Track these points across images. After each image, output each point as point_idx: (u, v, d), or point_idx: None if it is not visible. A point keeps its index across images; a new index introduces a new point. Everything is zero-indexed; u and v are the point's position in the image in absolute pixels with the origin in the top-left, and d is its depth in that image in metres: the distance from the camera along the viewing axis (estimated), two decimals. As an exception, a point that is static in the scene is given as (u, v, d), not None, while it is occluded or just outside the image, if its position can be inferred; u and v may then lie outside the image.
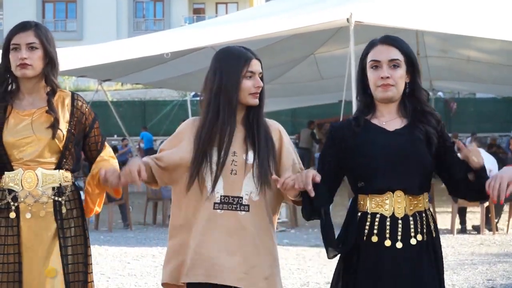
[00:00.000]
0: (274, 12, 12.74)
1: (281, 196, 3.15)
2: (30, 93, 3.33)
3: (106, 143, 3.50)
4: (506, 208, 11.10)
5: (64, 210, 3.30)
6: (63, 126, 3.30)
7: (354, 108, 10.78)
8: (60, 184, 3.30)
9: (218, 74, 3.12)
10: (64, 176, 3.32)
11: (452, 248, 9.34)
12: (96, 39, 29.67)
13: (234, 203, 3.08)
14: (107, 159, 3.43)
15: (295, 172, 3.10)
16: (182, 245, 3.11)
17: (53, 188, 3.29)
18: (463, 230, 10.81)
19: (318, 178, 2.88)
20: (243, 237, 3.07)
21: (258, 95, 3.14)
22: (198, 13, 42.81)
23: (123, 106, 27.28)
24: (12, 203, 3.25)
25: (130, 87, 31.67)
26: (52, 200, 3.28)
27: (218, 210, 3.07)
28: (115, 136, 25.70)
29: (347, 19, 10.41)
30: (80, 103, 3.39)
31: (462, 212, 10.94)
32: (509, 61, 14.27)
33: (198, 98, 28.79)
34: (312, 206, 2.94)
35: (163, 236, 10.44)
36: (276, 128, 3.23)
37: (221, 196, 3.08)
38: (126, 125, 16.47)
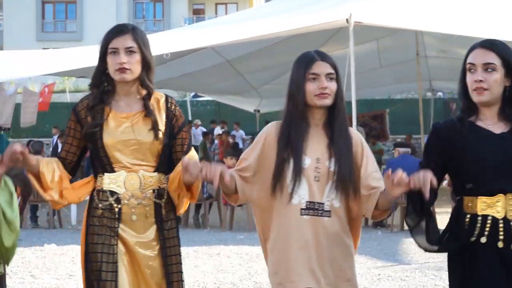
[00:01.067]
0: (273, 13, 12.76)
1: (362, 203, 3.16)
2: (127, 95, 3.35)
3: (192, 147, 3.49)
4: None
5: (163, 212, 3.33)
6: (161, 128, 3.33)
7: (354, 108, 10.79)
8: (159, 186, 3.33)
9: (290, 79, 3.17)
10: (162, 178, 3.35)
11: (452, 248, 9.35)
12: (96, 39, 29.54)
13: (320, 209, 3.11)
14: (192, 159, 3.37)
15: (376, 181, 3.13)
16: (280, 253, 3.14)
17: (154, 191, 3.31)
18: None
19: (435, 182, 2.87)
20: (327, 241, 3.11)
21: (327, 96, 3.12)
22: (197, 14, 42.84)
23: (123, 107, 27.24)
24: (115, 205, 3.28)
25: (130, 87, 31.59)
26: (153, 202, 3.31)
27: (304, 216, 3.09)
28: (115, 136, 25.73)
29: (347, 20, 10.42)
30: (173, 106, 3.41)
31: (461, 212, 10.93)
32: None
33: (197, 99, 28.86)
34: (421, 206, 2.96)
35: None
36: (357, 135, 3.24)
37: (306, 202, 3.10)
38: (126, 125, 16.44)
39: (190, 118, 22.25)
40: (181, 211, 3.44)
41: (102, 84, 3.34)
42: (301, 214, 3.10)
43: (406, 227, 11.74)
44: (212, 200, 11.98)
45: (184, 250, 10.51)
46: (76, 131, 3.36)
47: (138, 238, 3.29)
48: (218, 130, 22.53)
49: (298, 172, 3.08)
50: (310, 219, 3.09)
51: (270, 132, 3.19)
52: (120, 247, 3.27)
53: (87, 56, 12.53)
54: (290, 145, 3.10)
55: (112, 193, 3.29)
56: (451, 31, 10.87)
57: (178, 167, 3.29)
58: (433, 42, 14.37)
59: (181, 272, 3.39)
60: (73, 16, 42.62)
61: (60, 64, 12.35)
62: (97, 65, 3.34)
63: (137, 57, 3.28)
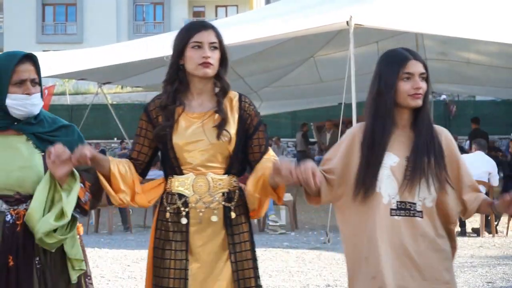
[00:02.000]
0: (273, 15, 12.76)
1: (458, 205, 3.12)
2: (199, 94, 3.24)
3: (269, 147, 3.36)
4: (506, 210, 11.10)
5: (233, 216, 3.20)
6: (233, 128, 3.20)
7: (354, 111, 10.80)
8: (228, 189, 3.20)
9: (376, 77, 3.09)
10: (232, 181, 3.22)
11: (452, 250, 9.35)
12: (96, 42, 29.72)
13: (412, 209, 3.02)
14: (272, 159, 3.26)
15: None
16: (366, 257, 3.04)
17: (223, 194, 3.19)
18: (462, 233, 10.80)
19: None
20: (421, 243, 3.03)
21: (420, 96, 3.05)
22: (198, 16, 42.86)
23: (123, 109, 27.29)
24: (182, 208, 3.18)
25: (130, 90, 31.69)
26: (222, 206, 3.19)
27: (396, 217, 3.01)
28: (115, 139, 25.74)
29: (347, 22, 10.43)
30: (247, 105, 3.29)
31: (461, 215, 10.93)
32: (509, 64, 14.30)
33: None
34: None
35: (163, 238, 10.43)
36: (444, 134, 3.16)
37: (397, 202, 3.02)
38: (126, 128, 16.48)
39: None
40: (261, 214, 3.33)
41: (176, 81, 3.24)
42: (392, 215, 3.00)
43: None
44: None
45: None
46: (147, 131, 3.25)
47: (206, 243, 3.18)
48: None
49: (388, 171, 3.01)
50: (402, 220, 3.00)
51: (355, 133, 3.11)
52: (185, 253, 3.16)
53: (87, 58, 12.54)
54: (377, 144, 3.02)
55: (180, 196, 3.18)
56: (451, 33, 10.88)
57: (261, 169, 3.19)
58: (433, 45, 14.37)
59: (257, 277, 3.24)
60: (73, 19, 42.66)
61: (60, 66, 12.36)
62: (173, 61, 3.25)
63: (218, 53, 3.21)
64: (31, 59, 3.10)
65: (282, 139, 23.55)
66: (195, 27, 3.23)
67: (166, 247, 3.18)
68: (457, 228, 10.68)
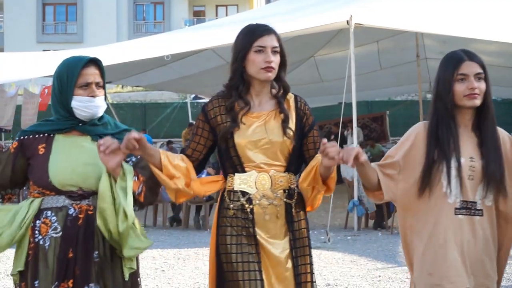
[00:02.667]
0: (274, 15, 12.77)
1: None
2: (258, 95, 3.33)
3: None
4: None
5: (294, 213, 3.31)
6: (293, 127, 3.31)
7: (354, 110, 10.80)
8: (289, 186, 3.30)
9: (436, 79, 3.16)
10: (292, 178, 3.32)
11: (452, 250, 9.35)
12: (96, 41, 29.74)
13: (472, 208, 3.09)
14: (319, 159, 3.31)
15: None
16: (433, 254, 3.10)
17: (284, 191, 3.29)
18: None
19: None
20: (481, 241, 3.10)
21: (476, 96, 3.09)
22: (198, 16, 42.87)
23: (123, 109, 27.31)
24: (247, 205, 3.27)
25: (130, 89, 31.72)
26: (283, 203, 3.29)
27: (460, 216, 3.07)
28: (116, 138, 25.73)
29: (347, 22, 10.44)
30: (302, 105, 3.39)
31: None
32: (509, 63, 14.31)
33: (198, 101, 28.82)
34: None
35: (163, 238, 10.47)
36: (504, 133, 3.22)
37: (460, 201, 3.08)
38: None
39: (190, 120, 22.28)
40: (315, 206, 3.41)
41: (240, 84, 3.31)
42: (455, 214, 3.07)
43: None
44: (212, 202, 11.98)
45: (184, 252, 10.56)
46: (204, 130, 3.34)
47: (270, 238, 3.27)
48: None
49: (454, 171, 3.06)
50: (465, 218, 3.07)
51: (418, 131, 3.17)
52: (254, 247, 3.26)
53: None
54: (441, 145, 3.08)
55: (244, 193, 3.27)
56: (451, 32, 10.89)
57: (312, 161, 3.27)
58: (433, 44, 14.38)
59: (312, 273, 3.34)
60: (74, 18, 42.65)
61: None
62: (236, 65, 3.31)
63: (279, 57, 3.30)
64: (96, 63, 3.23)
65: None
66: (259, 31, 3.32)
67: (232, 243, 3.26)
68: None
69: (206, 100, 25.69)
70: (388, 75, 16.60)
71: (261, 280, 3.22)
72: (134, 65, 12.43)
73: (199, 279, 7.39)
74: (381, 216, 11.51)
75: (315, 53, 15.14)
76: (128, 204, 3.09)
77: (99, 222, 3.07)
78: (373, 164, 3.15)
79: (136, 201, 3.21)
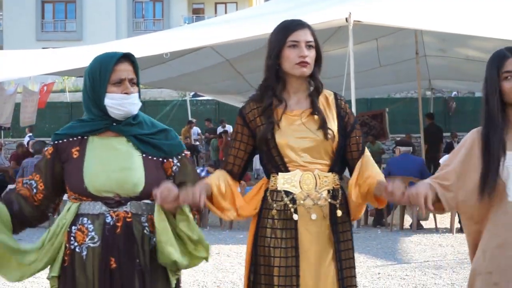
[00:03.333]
0: (273, 12, 12.76)
1: None
2: (296, 92, 3.23)
3: (365, 147, 3.37)
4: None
5: (339, 214, 3.19)
6: (333, 126, 3.19)
7: (354, 108, 10.80)
8: (333, 187, 3.19)
9: (485, 81, 3.12)
10: (336, 179, 3.21)
11: (452, 247, 9.36)
12: (95, 39, 29.68)
13: None
14: (373, 165, 3.26)
15: None
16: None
17: (328, 191, 3.17)
18: (462, 229, 10.82)
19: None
20: None
21: None
22: (197, 13, 42.85)
23: (122, 106, 27.24)
24: (290, 205, 3.15)
25: (129, 87, 31.62)
26: (328, 203, 3.17)
27: None
28: (115, 136, 25.72)
29: (346, 19, 10.44)
30: (343, 103, 3.29)
31: (461, 211, 10.95)
32: (508, 60, 14.28)
33: (197, 98, 28.75)
34: None
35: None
36: None
37: None
38: (126, 125, 16.46)
39: (190, 118, 22.27)
40: (358, 216, 3.33)
41: (275, 82, 3.20)
42: None
43: (405, 226, 11.76)
44: (212, 200, 11.99)
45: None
46: (243, 135, 3.24)
47: (314, 240, 3.16)
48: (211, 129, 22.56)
49: (510, 169, 3.04)
50: None
51: (473, 137, 3.14)
52: (295, 250, 3.15)
53: (86, 55, 12.54)
54: (494, 146, 3.05)
55: (287, 193, 3.15)
56: (450, 30, 10.88)
57: (367, 177, 3.18)
58: (433, 41, 14.37)
59: (355, 277, 3.24)
60: (73, 16, 42.63)
61: (60, 64, 12.36)
62: (271, 63, 3.21)
63: (313, 52, 3.21)
64: (129, 59, 3.09)
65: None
66: (292, 26, 3.22)
67: (271, 245, 3.15)
68: (457, 225, 10.70)
69: (206, 97, 25.70)
70: (387, 72, 16.59)
71: (297, 285, 3.10)
72: (133, 63, 12.41)
73: (199, 277, 7.39)
74: (380, 214, 11.51)
75: (314, 51, 15.12)
76: (200, 238, 3.01)
77: (162, 258, 2.99)
78: (428, 180, 3.12)
79: None
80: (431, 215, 11.18)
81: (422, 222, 11.21)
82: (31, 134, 20.94)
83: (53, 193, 3.11)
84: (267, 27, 11.35)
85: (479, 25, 10.59)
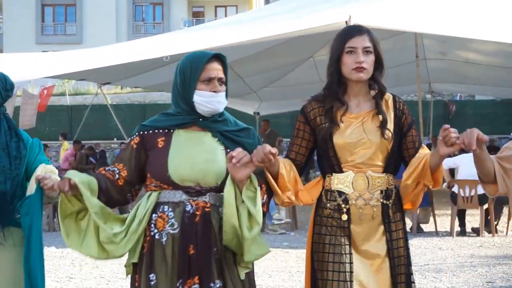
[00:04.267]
0: (273, 15, 12.76)
1: None
2: (356, 96, 3.36)
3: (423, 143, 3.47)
4: (505, 210, 11.12)
5: (391, 213, 3.31)
6: (391, 128, 3.32)
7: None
8: (387, 187, 3.31)
9: None
10: (390, 179, 3.33)
11: (452, 250, 9.36)
12: (95, 42, 29.71)
13: None
14: (427, 152, 3.36)
15: None
16: None
17: (381, 191, 3.30)
18: (462, 233, 10.82)
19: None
20: None
21: None
22: (197, 16, 42.87)
23: (122, 110, 27.30)
24: (343, 205, 3.28)
25: (129, 90, 31.71)
26: (380, 203, 3.29)
27: None
28: (115, 139, 25.74)
29: (346, 22, 10.43)
30: (401, 105, 3.41)
31: (461, 215, 10.95)
32: (508, 63, 14.30)
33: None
34: None
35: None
36: None
37: None
38: (126, 128, 16.48)
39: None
40: (417, 204, 3.42)
41: (337, 85, 3.34)
42: None
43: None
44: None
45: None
46: (305, 132, 3.37)
47: (366, 239, 3.28)
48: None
49: None
50: None
51: None
52: (350, 247, 3.27)
53: (86, 58, 12.54)
54: None
55: (340, 193, 3.29)
56: (450, 33, 10.88)
57: (418, 158, 3.28)
58: (433, 44, 14.38)
59: (411, 274, 3.36)
60: (73, 19, 42.66)
61: (60, 67, 12.35)
62: (333, 67, 3.34)
63: (372, 57, 3.33)
64: (220, 59, 3.23)
65: (282, 139, 23.57)
66: (351, 32, 3.36)
67: (326, 242, 3.28)
68: (457, 228, 10.69)
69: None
70: (387, 75, 16.37)
71: (351, 281, 3.22)
72: (133, 66, 12.40)
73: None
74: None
75: (314, 54, 15.11)
76: (257, 211, 3.07)
77: (226, 228, 3.06)
78: (491, 156, 3.14)
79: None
80: (431, 219, 11.18)
81: (422, 225, 11.20)
82: None
83: (135, 180, 3.24)
84: (267, 31, 11.38)
85: (479, 28, 10.59)
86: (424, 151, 3.34)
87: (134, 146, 3.23)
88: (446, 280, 7.28)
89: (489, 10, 11.28)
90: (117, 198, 3.24)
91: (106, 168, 3.28)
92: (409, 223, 11.39)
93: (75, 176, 3.13)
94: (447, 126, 3.07)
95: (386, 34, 12.81)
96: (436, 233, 10.77)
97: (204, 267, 3.07)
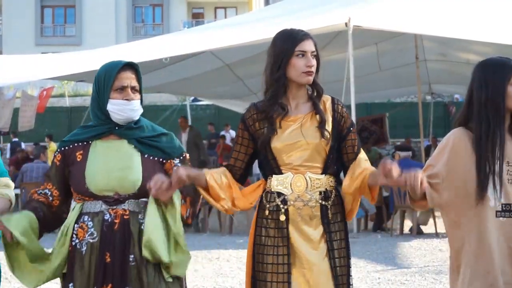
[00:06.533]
0: (273, 17, 12.77)
1: None
2: (294, 98, 3.40)
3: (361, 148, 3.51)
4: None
5: (330, 214, 3.35)
6: (329, 129, 3.35)
7: (353, 112, 10.80)
8: (326, 188, 3.35)
9: (481, 85, 3.22)
10: (329, 181, 3.37)
11: (452, 252, 9.34)
12: (95, 44, 29.69)
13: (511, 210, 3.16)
14: (366, 161, 3.42)
15: None
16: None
17: (320, 193, 3.34)
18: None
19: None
20: None
21: None
22: (197, 18, 42.87)
23: (122, 111, 27.21)
24: (281, 206, 3.33)
25: (129, 91, 31.64)
26: (319, 204, 3.33)
27: (501, 218, 3.15)
28: (114, 141, 25.69)
29: (346, 24, 10.44)
30: (339, 107, 3.44)
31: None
32: (508, 65, 14.27)
33: (197, 103, 28.73)
34: None
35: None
36: None
37: (502, 204, 3.14)
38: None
39: (190, 123, 22.24)
40: (354, 215, 3.45)
41: (283, 89, 3.38)
42: (497, 217, 3.13)
43: (405, 231, 11.74)
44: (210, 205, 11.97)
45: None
46: (243, 138, 3.43)
47: (305, 240, 3.32)
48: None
49: (498, 176, 3.12)
50: (506, 221, 3.14)
51: (458, 137, 3.20)
52: (287, 249, 3.32)
53: (86, 60, 12.53)
54: (492, 151, 3.12)
55: (279, 194, 3.34)
56: (450, 34, 10.88)
57: (359, 169, 3.33)
58: (433, 46, 14.37)
59: (350, 275, 3.40)
60: (72, 20, 42.65)
61: (59, 69, 12.35)
62: (281, 73, 3.36)
63: (315, 61, 3.40)
64: (133, 67, 3.32)
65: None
66: (300, 36, 3.40)
67: (266, 243, 3.34)
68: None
69: (206, 102, 25.71)
70: (387, 77, 16.59)
71: (289, 282, 3.27)
72: (132, 68, 12.40)
73: (198, 282, 7.38)
74: (380, 218, 11.49)
75: (314, 55, 15.13)
76: (179, 232, 3.19)
77: (146, 254, 3.13)
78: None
79: (183, 223, 3.28)
80: (431, 220, 11.17)
81: (422, 227, 11.20)
82: (16, 139, 20.98)
83: (66, 197, 3.35)
84: (266, 32, 11.36)
85: (479, 30, 10.59)
86: (363, 157, 3.39)
87: (57, 163, 3.32)
88: (446, 281, 7.26)
89: (488, 12, 11.28)
90: (54, 223, 3.35)
91: (38, 192, 3.34)
92: (409, 224, 11.38)
93: (13, 226, 3.13)
94: (388, 163, 3.09)
95: (386, 36, 12.81)
96: (436, 235, 10.76)
97: (118, 274, 3.14)
